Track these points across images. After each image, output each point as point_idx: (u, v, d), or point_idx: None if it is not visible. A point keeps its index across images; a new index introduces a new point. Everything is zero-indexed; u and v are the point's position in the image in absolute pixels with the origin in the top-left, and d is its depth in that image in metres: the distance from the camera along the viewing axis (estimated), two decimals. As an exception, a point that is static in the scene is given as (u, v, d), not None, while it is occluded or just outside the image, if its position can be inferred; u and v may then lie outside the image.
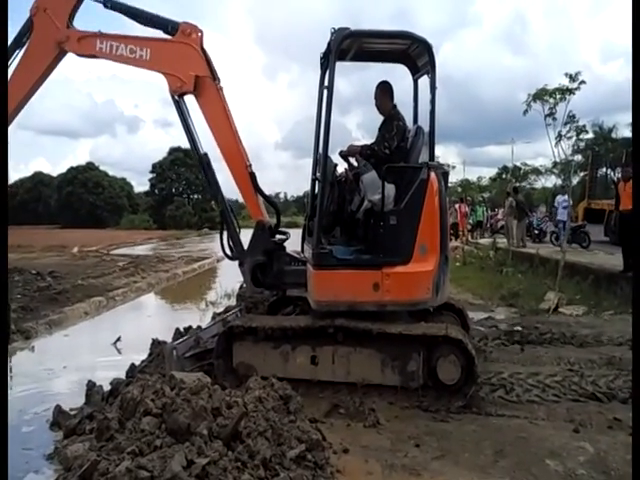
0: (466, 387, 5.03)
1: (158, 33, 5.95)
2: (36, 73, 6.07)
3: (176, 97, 5.87)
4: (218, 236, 6.29)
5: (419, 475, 3.72)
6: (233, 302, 11.22)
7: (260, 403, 3.93)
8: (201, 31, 5.80)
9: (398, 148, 5.69)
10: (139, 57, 5.84)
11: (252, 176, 5.97)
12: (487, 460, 3.92)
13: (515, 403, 5.09)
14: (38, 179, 70.63)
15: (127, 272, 17.55)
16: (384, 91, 5.88)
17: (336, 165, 5.98)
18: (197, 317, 10.21)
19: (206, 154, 6.11)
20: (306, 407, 4.46)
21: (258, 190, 6.02)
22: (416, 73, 6.27)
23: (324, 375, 5.33)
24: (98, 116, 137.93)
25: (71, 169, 67.77)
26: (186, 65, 5.76)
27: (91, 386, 6.03)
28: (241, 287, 11.46)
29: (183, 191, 69.24)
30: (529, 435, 4.34)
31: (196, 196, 68.65)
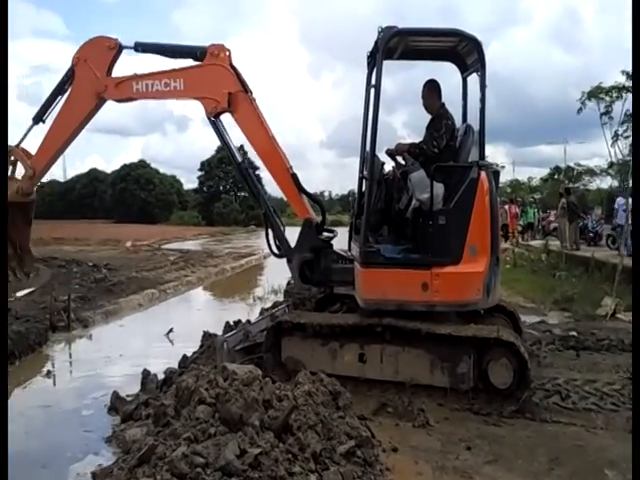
0: (519, 392, 4.90)
1: (188, 62, 6.11)
2: (76, 121, 6.35)
3: (212, 118, 6.05)
4: (264, 233, 6.41)
5: (471, 478, 3.66)
6: (280, 298, 11.36)
7: (310, 397, 3.97)
8: (229, 50, 5.94)
9: (447, 147, 5.62)
10: (173, 89, 6.03)
11: (294, 177, 6.04)
12: (542, 467, 3.82)
13: (571, 410, 4.91)
14: (93, 175, 73.43)
15: (178, 266, 18.03)
16: (432, 90, 5.82)
17: (383, 163, 5.97)
18: (245, 312, 10.39)
19: (244, 161, 6.26)
20: (354, 404, 4.47)
21: (302, 190, 6.09)
22: (465, 71, 6.16)
23: (372, 373, 5.33)
24: (149, 115, 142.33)
25: (124, 166, 70.10)
26: (218, 85, 5.90)
27: (146, 374, 6.25)
28: (288, 283, 11.60)
29: (230, 189, 70.37)
30: (586, 444, 4.20)
31: (243, 194, 69.54)
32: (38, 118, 6.41)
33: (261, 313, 8.76)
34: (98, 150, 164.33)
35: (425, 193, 5.33)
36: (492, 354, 5.03)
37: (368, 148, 5.62)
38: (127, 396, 5.88)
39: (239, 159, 6.23)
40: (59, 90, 6.33)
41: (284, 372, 5.43)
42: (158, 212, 67.56)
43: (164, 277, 15.48)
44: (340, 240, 6.47)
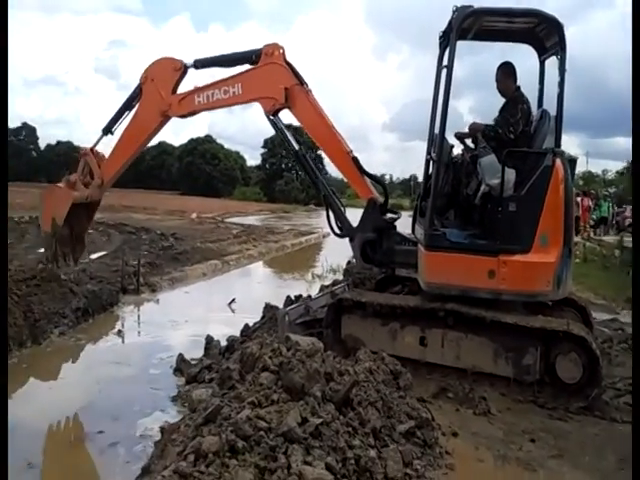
0: (588, 388, 4.69)
1: (246, 68, 6.24)
2: (142, 136, 6.62)
3: (271, 117, 6.14)
4: (324, 213, 6.44)
5: (534, 471, 3.56)
6: (338, 277, 11.41)
7: (371, 375, 3.98)
8: (282, 47, 6.01)
9: (522, 132, 5.40)
10: (233, 94, 6.16)
11: (355, 160, 6.02)
12: (609, 466, 3.66)
13: (643, 412, 4.66)
14: (162, 148, 75.99)
15: (240, 240, 18.46)
16: (507, 73, 5.57)
17: (452, 146, 5.85)
18: (304, 288, 10.50)
19: (300, 148, 6.31)
20: (413, 387, 4.43)
21: (363, 172, 6.06)
22: (543, 54, 5.84)
23: (432, 357, 5.26)
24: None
25: (191, 140, 72.12)
26: (275, 82, 5.98)
27: (209, 340, 6.49)
28: (348, 263, 11.63)
29: (292, 167, 70.94)
30: (659, 447, 3.97)
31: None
32: (107, 130, 6.71)
33: (321, 290, 8.84)
34: (167, 124, 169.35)
35: (495, 178, 5.15)
36: (561, 348, 4.84)
37: (437, 130, 5.48)
38: (191, 359, 6.12)
39: (296, 147, 6.29)
40: (127, 105, 6.63)
41: (343, 349, 5.45)
42: (222, 187, 69.20)
43: (227, 249, 15.89)
44: (402, 224, 6.39)
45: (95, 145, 6.64)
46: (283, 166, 71.52)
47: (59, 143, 76.25)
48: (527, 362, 4.92)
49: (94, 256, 12.60)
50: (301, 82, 6.02)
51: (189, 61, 6.41)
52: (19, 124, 75.03)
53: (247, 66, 6.23)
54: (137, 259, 10.50)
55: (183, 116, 6.51)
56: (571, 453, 3.80)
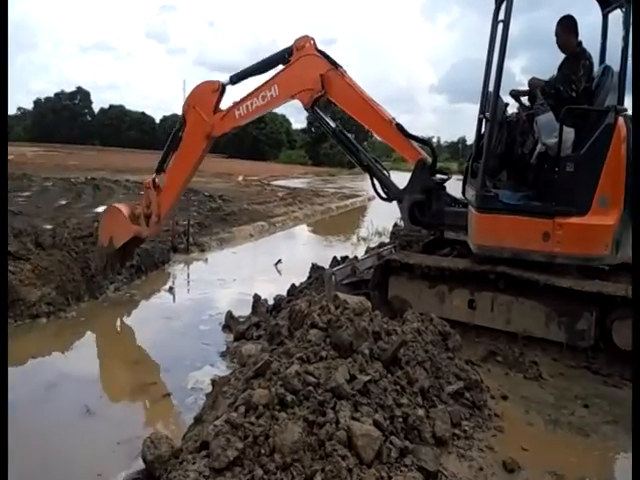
0: (645, 355, 4.51)
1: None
2: (190, 164, 6.60)
3: (310, 110, 6.09)
4: (369, 175, 6.35)
5: (587, 436, 3.48)
6: (384, 240, 11.32)
7: (419, 335, 3.95)
8: (312, 38, 5.96)
9: (584, 89, 5.09)
10: (271, 97, 6.11)
11: (398, 126, 5.87)
12: (667, 434, 3.52)
13: None
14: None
15: (286, 202, 18.56)
16: (568, 27, 5.21)
17: (507, 104, 5.60)
18: (349, 250, 10.50)
19: (337, 126, 6.24)
20: (462, 349, 4.38)
21: (408, 135, 5.90)
22: (607, 7, 5.44)
23: (481, 320, 5.17)
24: (262, 54, 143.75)
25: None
26: (310, 72, 5.92)
27: (257, 299, 6.61)
28: (395, 225, 11.50)
29: (347, 120, 70.12)
30: None
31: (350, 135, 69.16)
32: (160, 169, 6.77)
33: (367, 252, 8.80)
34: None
35: (553, 137, 4.90)
36: (618, 313, 4.64)
37: (491, 88, 5.23)
38: (239, 317, 6.27)
39: (332, 125, 6.24)
40: (173, 139, 6.66)
41: (389, 310, 5.42)
42: (268, 150, 69.37)
43: (273, 211, 16.03)
44: (450, 187, 6.22)
45: (155, 179, 6.73)
46: (336, 113, 70.71)
47: (111, 107, 77.95)
48: (581, 327, 4.76)
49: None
50: (335, 66, 5.97)
51: (226, 79, 6.45)
52: (74, 89, 77.02)
53: (281, 67, 6.23)
54: (187, 219, 10.73)
55: (226, 133, 6.62)
56: (627, 420, 3.66)
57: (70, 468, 3.50)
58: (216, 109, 6.39)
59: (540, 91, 5.30)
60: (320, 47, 5.97)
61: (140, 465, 3.04)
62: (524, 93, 5.65)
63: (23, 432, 3.87)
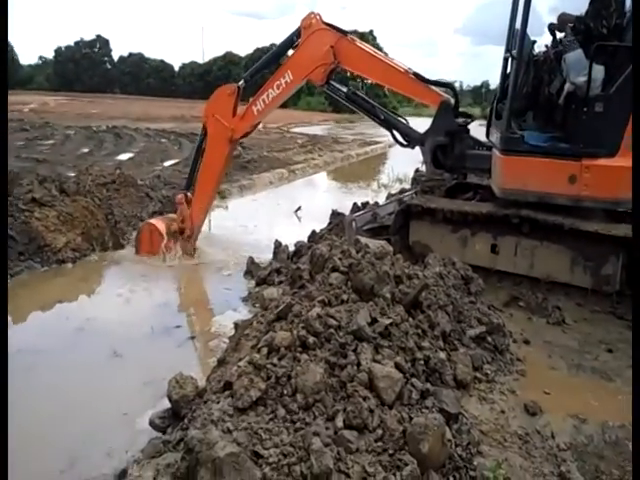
0: (673, 300, 4.42)
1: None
2: (216, 172, 6.57)
3: (325, 86, 6.04)
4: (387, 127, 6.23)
5: (611, 380, 3.47)
6: (405, 186, 11.16)
7: (441, 279, 3.91)
8: (318, 14, 5.90)
9: (615, 26, 4.77)
10: (285, 84, 6.04)
11: (416, 75, 5.77)
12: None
13: None
14: (229, 58, 74.69)
15: (305, 149, 18.32)
16: None
17: (534, 42, 5.32)
18: (370, 197, 10.38)
19: (349, 89, 6.18)
20: (484, 294, 4.34)
21: (428, 82, 5.80)
22: None
23: (504, 265, 5.10)
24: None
25: (257, 50, 70.21)
26: (320, 47, 5.85)
27: (278, 245, 6.62)
28: (416, 171, 11.30)
29: (358, 75, 68.28)
30: None
31: (370, 81, 67.29)
32: (188, 186, 6.74)
33: (387, 198, 8.68)
34: (233, 33, 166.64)
35: (582, 76, 4.67)
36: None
37: (518, 25, 4.93)
38: (260, 263, 6.30)
39: (344, 90, 6.16)
40: (198, 151, 6.62)
41: (410, 255, 5.38)
42: (287, 96, 67.95)
43: (293, 158, 15.85)
44: (473, 132, 6.03)
45: (187, 194, 6.73)
46: (348, 74, 68.88)
47: (130, 55, 76.73)
48: (607, 272, 4.67)
49: (167, 163, 12.96)
50: (344, 34, 5.90)
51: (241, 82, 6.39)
52: (93, 37, 75.82)
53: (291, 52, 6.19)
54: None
55: (247, 133, 6.54)
56: (652, 364, 3.65)
57: (99, 407, 3.62)
58: (235, 112, 6.36)
59: (570, 27, 5.03)
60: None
61: (165, 405, 3.12)
62: (556, 28, 5.35)
63: (54, 374, 4.03)
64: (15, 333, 4.80)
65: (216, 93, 6.53)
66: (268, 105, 6.18)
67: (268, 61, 6.48)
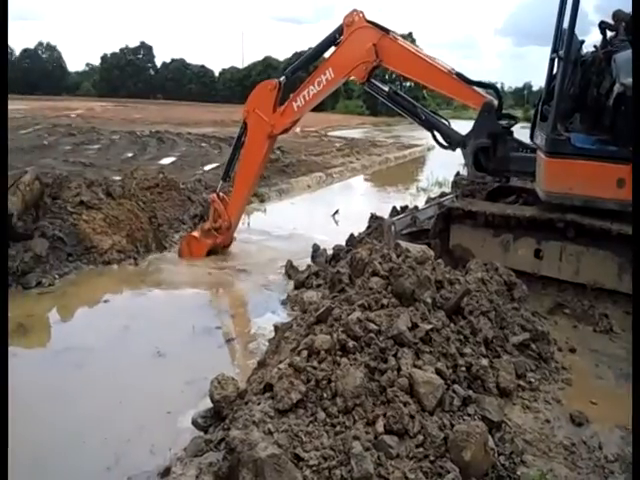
0: None
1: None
2: (255, 167, 6.65)
3: (366, 84, 6.00)
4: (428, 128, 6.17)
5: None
6: (445, 190, 11.00)
7: (483, 285, 3.86)
8: (361, 11, 5.86)
9: None
10: (326, 81, 6.04)
11: (459, 76, 5.67)
12: None
13: None
14: (268, 62, 75.56)
15: (343, 153, 18.33)
16: None
17: (582, 42, 5.16)
18: (408, 201, 10.28)
19: (390, 88, 6.14)
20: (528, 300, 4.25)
21: (471, 83, 5.69)
22: None
23: (548, 271, 4.97)
24: (320, 2, 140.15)
25: (295, 54, 70.80)
26: (362, 45, 5.81)
27: (316, 248, 6.65)
28: (457, 174, 11.13)
29: (396, 78, 67.79)
30: None
31: (408, 84, 66.86)
32: (225, 176, 6.91)
33: (427, 202, 8.58)
34: (273, 38, 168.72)
35: (632, 77, 4.49)
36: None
37: (566, 24, 4.81)
38: (298, 266, 6.34)
39: (385, 89, 6.11)
40: (237, 145, 6.73)
41: (451, 260, 5.31)
42: (324, 100, 67.98)
43: (330, 162, 15.89)
44: (515, 134, 5.91)
45: (219, 191, 6.93)
46: (387, 77, 68.64)
47: (173, 61, 78.64)
48: (657, 279, 4.49)
49: (207, 167, 13.22)
50: (386, 32, 5.84)
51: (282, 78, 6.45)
52: (138, 44, 78.11)
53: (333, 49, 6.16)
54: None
55: (287, 130, 6.59)
56: None
57: (143, 406, 3.71)
58: (275, 107, 6.41)
59: (625, 27, 4.86)
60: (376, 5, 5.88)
61: (207, 404, 3.17)
62: (610, 26, 5.20)
63: (101, 372, 4.16)
64: (63, 331, 5.00)
65: (257, 88, 6.60)
66: (308, 101, 6.22)
67: (310, 58, 6.49)
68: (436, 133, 6.02)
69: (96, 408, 3.67)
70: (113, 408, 3.67)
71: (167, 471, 2.80)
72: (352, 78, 6.13)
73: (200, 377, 3.77)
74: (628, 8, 5.05)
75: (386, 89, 6.15)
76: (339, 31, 5.99)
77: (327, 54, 6.25)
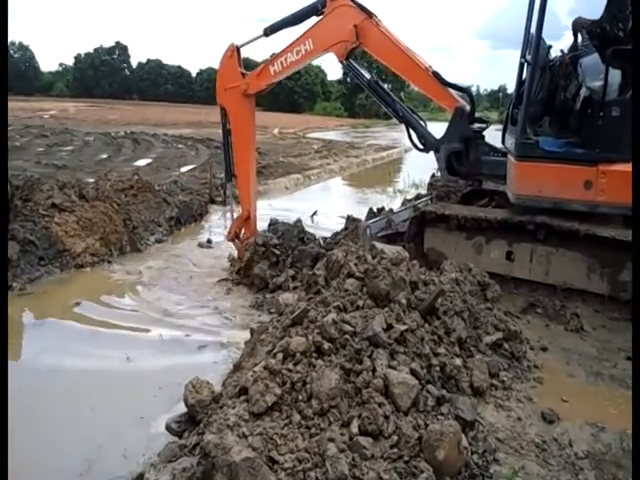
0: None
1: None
2: (248, 132, 6.56)
3: (345, 62, 5.93)
4: (405, 126, 6.16)
5: (629, 388, 3.40)
6: (421, 192, 11.12)
7: (457, 285, 3.90)
8: None
9: (631, 29, 4.73)
10: (305, 52, 5.98)
11: (436, 75, 5.67)
12: None
13: None
14: (246, 64, 75.42)
15: (321, 154, 18.39)
16: None
17: (550, 47, 5.29)
18: (385, 203, 10.35)
19: (372, 76, 6.12)
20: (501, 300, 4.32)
21: (446, 84, 5.70)
22: None
23: (520, 272, 5.08)
24: (302, 4, 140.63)
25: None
26: (344, 24, 5.75)
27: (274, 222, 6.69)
28: (432, 176, 11.26)
29: (379, 73, 68.31)
30: None
31: (386, 85, 67.25)
32: (229, 176, 6.75)
33: (403, 204, 8.66)
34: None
35: (598, 80, 4.65)
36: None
37: (533, 29, 4.92)
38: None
39: (367, 77, 6.09)
40: (226, 138, 6.60)
41: (425, 263, 5.38)
42: (302, 102, 68.43)
43: (308, 164, 15.92)
44: (490, 138, 5.99)
45: (230, 195, 6.87)
46: (373, 67, 69.07)
47: (149, 61, 77.79)
48: (624, 279, 4.62)
49: (184, 169, 13.12)
50: (369, 15, 5.78)
51: (238, 42, 6.46)
52: (113, 44, 77.03)
53: (315, 19, 6.05)
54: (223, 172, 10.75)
55: (262, 90, 6.50)
56: (673, 373, 3.59)
57: (115, 411, 3.65)
58: (240, 71, 6.38)
59: (586, 31, 5.00)
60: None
61: (180, 410, 3.14)
62: (575, 33, 5.33)
63: (71, 378, 4.08)
64: (33, 335, 4.89)
65: (219, 65, 6.58)
66: (285, 68, 6.17)
67: (290, 21, 6.30)
68: (412, 132, 6.06)
69: (67, 415, 3.61)
70: (85, 414, 3.60)
71: (140, 477, 2.76)
72: (331, 54, 6.01)
73: (172, 382, 3.72)
74: (599, 11, 5.18)
75: (368, 76, 6.11)
76: (322, 2, 5.90)
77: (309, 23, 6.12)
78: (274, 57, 6.20)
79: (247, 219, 6.71)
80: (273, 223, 7.06)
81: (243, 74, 6.38)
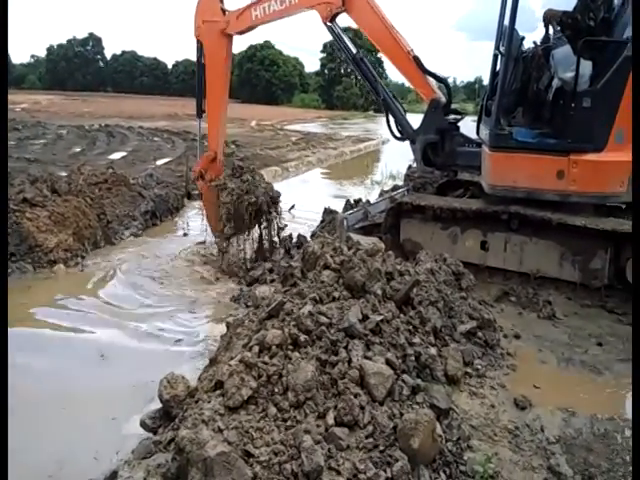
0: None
1: None
2: (221, 71, 6.42)
3: (328, 23, 5.83)
4: (384, 119, 6.18)
5: (600, 373, 3.50)
6: (398, 183, 11.17)
7: (432, 275, 3.93)
8: None
9: (603, 19, 4.81)
10: (289, 4, 5.90)
11: (416, 60, 5.65)
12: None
13: None
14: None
15: (299, 147, 18.32)
16: None
17: (523, 38, 5.36)
18: (363, 194, 10.37)
19: (358, 52, 6.02)
20: (475, 289, 4.37)
21: (425, 71, 5.70)
22: None
23: (494, 261, 5.16)
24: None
25: (251, 47, 70.23)
26: None
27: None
28: (409, 167, 11.31)
29: (352, 71, 68.13)
30: None
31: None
32: (199, 111, 6.63)
33: (380, 195, 8.69)
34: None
35: (569, 71, 4.72)
36: (632, 251, 4.58)
37: (507, 21, 4.96)
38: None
39: (353, 51, 6.00)
40: (200, 74, 6.46)
41: (402, 253, 5.42)
42: (280, 94, 68.03)
43: (286, 156, 15.85)
44: (466, 129, 6.04)
45: (199, 131, 6.75)
46: (342, 71, 68.93)
47: (124, 53, 76.37)
48: (595, 266, 4.73)
49: (160, 162, 12.93)
50: None
51: None
52: (86, 35, 75.38)
53: None
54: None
55: (241, 32, 6.38)
56: (641, 358, 3.68)
57: (86, 412, 3.57)
58: (223, 9, 6.27)
59: (557, 22, 5.05)
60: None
61: (154, 409, 3.10)
62: (546, 24, 5.39)
63: (41, 378, 3.98)
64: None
65: (199, 3, 6.41)
66: (267, 16, 6.08)
67: None
68: (390, 118, 6.04)
69: (35, 416, 3.52)
70: (54, 416, 3.51)
71: (114, 475, 2.73)
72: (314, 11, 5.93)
73: (147, 380, 3.66)
74: (572, 3, 5.23)
75: (354, 51, 6.02)
76: None
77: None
78: (257, 2, 6.08)
79: (214, 160, 6.55)
80: None
81: (223, 10, 6.26)
